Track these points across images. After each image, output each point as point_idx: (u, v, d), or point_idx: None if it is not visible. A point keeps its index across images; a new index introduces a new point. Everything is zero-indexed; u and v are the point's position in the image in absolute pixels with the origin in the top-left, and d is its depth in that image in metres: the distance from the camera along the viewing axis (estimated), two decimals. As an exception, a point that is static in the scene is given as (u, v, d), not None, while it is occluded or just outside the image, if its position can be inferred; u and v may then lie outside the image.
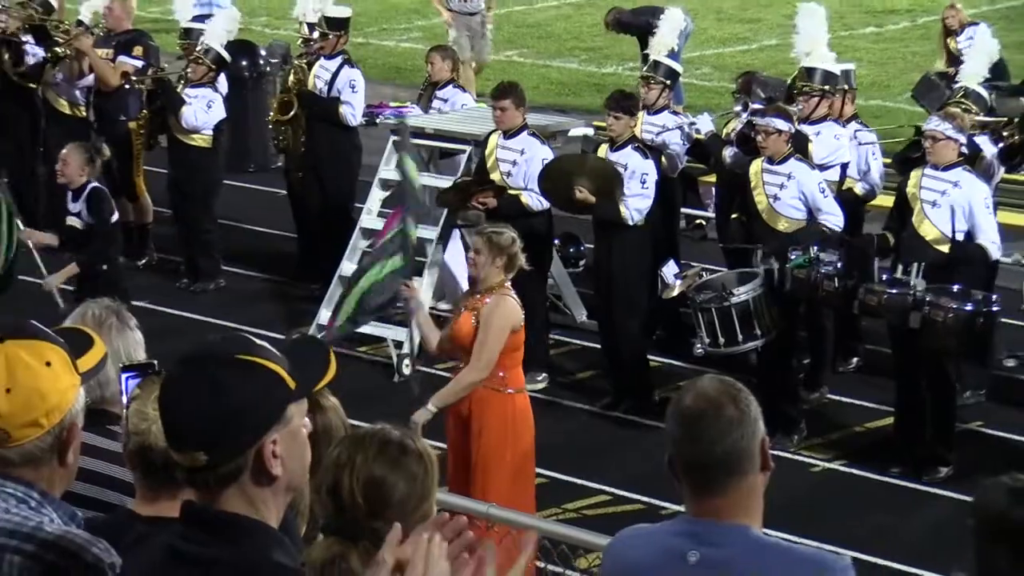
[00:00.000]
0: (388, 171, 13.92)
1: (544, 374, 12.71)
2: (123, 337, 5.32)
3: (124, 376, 4.29)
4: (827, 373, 12.55)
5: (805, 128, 12.32)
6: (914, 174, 11.35)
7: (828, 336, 12.40)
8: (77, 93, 15.75)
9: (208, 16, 16.40)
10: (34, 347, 3.61)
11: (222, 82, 15.00)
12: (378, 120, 17.46)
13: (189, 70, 14.87)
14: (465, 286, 11.69)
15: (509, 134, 12.80)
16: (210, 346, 3.46)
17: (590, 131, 14.99)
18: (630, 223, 12.11)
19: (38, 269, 11.96)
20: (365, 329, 12.16)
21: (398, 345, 12.84)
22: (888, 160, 13.40)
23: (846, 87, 12.96)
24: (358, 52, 20.08)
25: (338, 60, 14.78)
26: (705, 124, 13.40)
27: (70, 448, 3.64)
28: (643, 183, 12.15)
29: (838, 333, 12.62)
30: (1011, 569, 4.78)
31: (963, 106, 12.35)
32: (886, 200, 12.81)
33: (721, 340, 11.46)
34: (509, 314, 9.31)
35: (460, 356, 9.54)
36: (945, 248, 11.05)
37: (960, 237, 11.07)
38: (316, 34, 14.91)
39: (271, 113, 15.26)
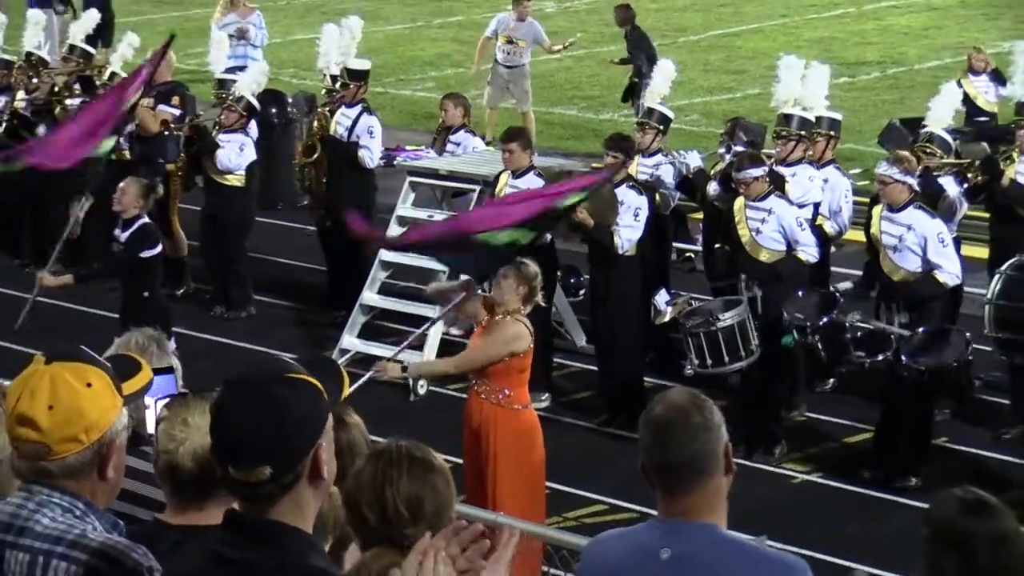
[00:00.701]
0: (405, 208, 13.95)
1: (547, 394, 12.69)
2: (162, 364, 5.31)
3: (154, 399, 4.28)
4: (803, 393, 12.53)
5: (782, 169, 12.35)
6: (875, 212, 11.44)
7: (799, 362, 12.39)
8: (120, 139, 15.74)
9: (242, 68, 16.45)
10: (78, 369, 3.60)
11: (253, 128, 15.03)
12: (395, 162, 17.47)
13: (223, 117, 14.89)
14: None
15: (517, 174, 12.83)
16: (257, 368, 3.46)
17: None
18: (620, 251, 12.15)
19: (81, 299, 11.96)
20: (377, 351, 12.20)
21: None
22: (864, 199, 13.41)
23: (831, 133, 12.97)
24: (377, 100, 20.10)
25: (358, 108, 14.79)
26: (694, 160, 13.42)
27: (110, 463, 3.62)
28: (636, 216, 12.21)
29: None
30: (958, 575, 4.78)
31: (927, 150, 12.35)
32: (854, 235, 12.96)
33: (709, 362, 11.46)
34: (515, 336, 9.31)
35: (483, 374, 9.49)
36: (912, 284, 11.10)
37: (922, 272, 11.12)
38: (338, 84, 14.93)
39: (296, 156, 15.27)
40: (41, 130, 16.01)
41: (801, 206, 12.13)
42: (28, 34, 17.15)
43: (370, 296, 13.98)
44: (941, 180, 12.27)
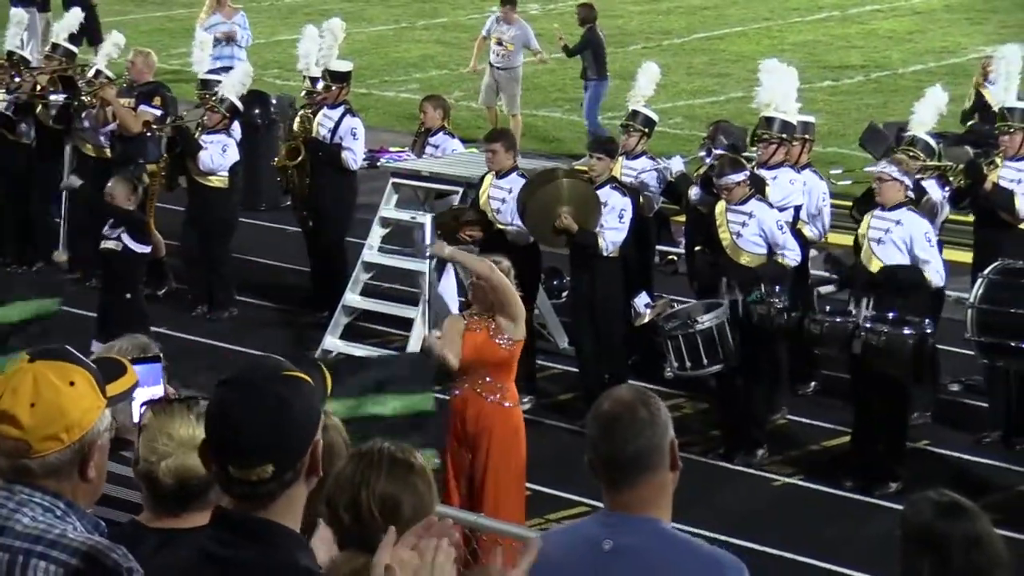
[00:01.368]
0: (388, 210, 13.96)
1: (531, 396, 12.69)
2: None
3: (138, 401, 4.28)
4: (783, 396, 12.55)
5: (763, 172, 12.38)
6: (866, 218, 11.47)
7: (782, 365, 12.41)
8: (102, 138, 15.75)
9: (227, 69, 16.43)
10: (62, 368, 3.62)
11: (236, 129, 15.00)
12: (379, 163, 17.47)
13: (206, 118, 14.88)
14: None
15: (501, 174, 12.84)
16: (255, 367, 3.45)
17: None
18: (605, 253, 12.17)
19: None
20: (359, 353, 12.17)
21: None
22: (845, 202, 13.42)
23: (806, 137, 12.99)
24: (360, 102, 20.09)
25: (340, 109, 14.79)
26: (676, 165, 13.43)
27: (91, 463, 3.63)
28: (620, 218, 12.24)
29: (796, 360, 12.64)
30: None
31: (911, 153, 12.39)
32: (836, 238, 12.98)
33: (688, 364, 11.50)
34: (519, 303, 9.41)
35: (480, 372, 9.46)
36: (892, 271, 11.12)
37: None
38: (320, 85, 14.92)
39: (277, 158, 15.25)
40: (22, 128, 16.02)
41: (782, 209, 12.16)
42: (10, 33, 17.11)
43: (352, 297, 13.99)
44: (924, 184, 12.31)
